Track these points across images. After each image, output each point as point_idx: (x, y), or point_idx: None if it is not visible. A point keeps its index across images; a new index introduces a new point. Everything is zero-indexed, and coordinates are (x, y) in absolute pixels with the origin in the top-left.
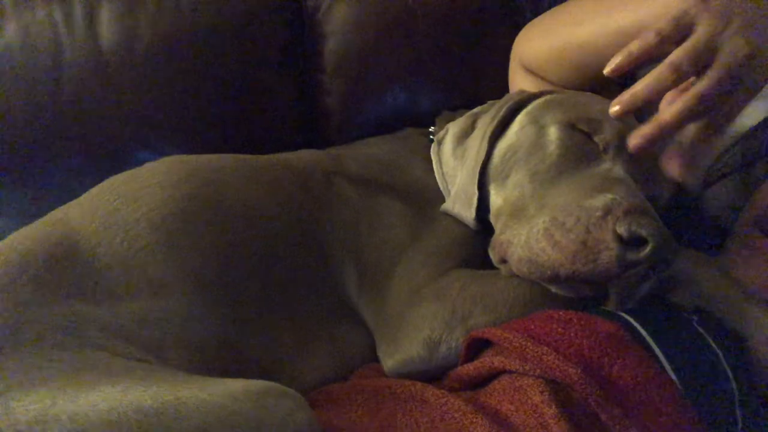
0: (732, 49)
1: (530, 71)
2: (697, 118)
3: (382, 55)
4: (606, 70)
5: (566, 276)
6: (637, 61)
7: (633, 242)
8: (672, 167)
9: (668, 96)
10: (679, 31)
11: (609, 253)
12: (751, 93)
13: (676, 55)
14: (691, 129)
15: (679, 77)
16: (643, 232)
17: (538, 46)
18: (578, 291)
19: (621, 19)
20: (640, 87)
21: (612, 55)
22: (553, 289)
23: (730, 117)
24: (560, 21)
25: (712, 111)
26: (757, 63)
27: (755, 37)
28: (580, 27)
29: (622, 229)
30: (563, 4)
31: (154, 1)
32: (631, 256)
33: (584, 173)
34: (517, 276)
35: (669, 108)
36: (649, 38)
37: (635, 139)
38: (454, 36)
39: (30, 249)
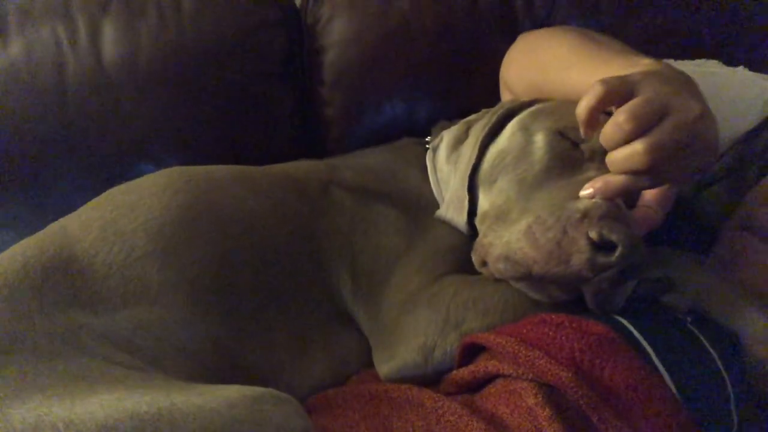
0: (684, 107)
1: (514, 95)
2: (654, 172)
3: (380, 66)
4: (583, 135)
5: (539, 276)
6: (597, 111)
7: (604, 246)
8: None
9: None
10: (625, 86)
11: (580, 256)
12: (706, 154)
13: (632, 103)
14: (652, 192)
15: (637, 126)
16: (613, 237)
17: (515, 81)
18: (551, 294)
19: (578, 79)
20: (603, 135)
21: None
22: (527, 291)
23: (687, 177)
24: (533, 65)
25: (670, 167)
26: (709, 124)
27: (703, 101)
28: (547, 78)
29: (593, 233)
30: (541, 37)
31: (156, 17)
32: (601, 260)
33: (569, 180)
34: (500, 279)
35: (632, 157)
36: (597, 89)
37: (599, 183)
38: (450, 47)
39: (29, 259)
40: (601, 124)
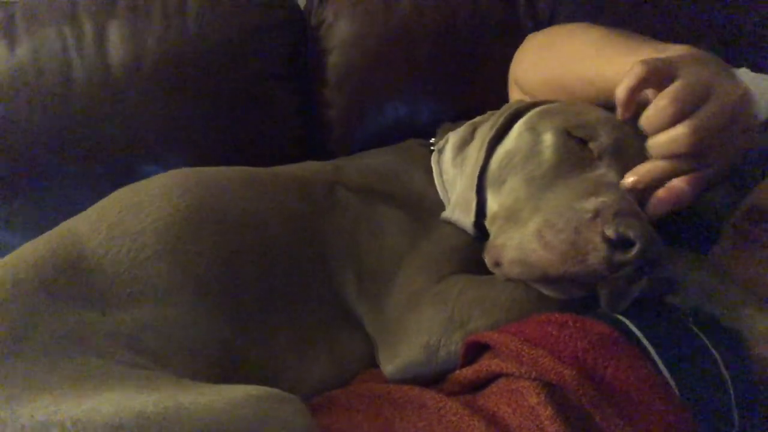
0: (726, 89)
1: (525, 92)
2: (697, 155)
3: (383, 68)
4: (620, 117)
5: (556, 276)
6: (637, 92)
7: (621, 244)
8: (659, 207)
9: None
10: (666, 67)
11: (597, 254)
12: (747, 135)
13: (674, 86)
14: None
15: (680, 109)
16: (631, 234)
17: (530, 75)
18: (568, 292)
19: (604, 68)
20: (645, 119)
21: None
22: (544, 290)
23: (728, 160)
24: (552, 57)
25: (713, 150)
26: (750, 105)
27: (741, 82)
28: (568, 69)
29: (610, 231)
30: (557, 32)
31: (161, 19)
32: (619, 257)
33: (578, 178)
34: (512, 280)
35: (676, 140)
36: (638, 69)
37: (643, 169)
38: (453, 49)
39: (39, 259)
40: (635, 108)
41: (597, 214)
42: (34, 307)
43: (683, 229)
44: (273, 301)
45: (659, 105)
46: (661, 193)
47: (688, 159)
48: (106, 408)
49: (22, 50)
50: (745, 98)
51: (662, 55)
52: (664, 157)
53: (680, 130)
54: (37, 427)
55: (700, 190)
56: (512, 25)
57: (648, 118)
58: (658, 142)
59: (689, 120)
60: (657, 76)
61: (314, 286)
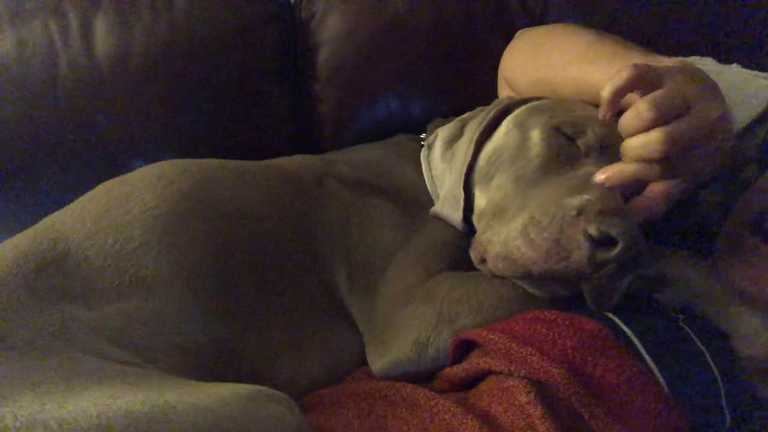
0: (706, 106)
1: (514, 90)
2: (666, 163)
3: (375, 63)
4: (601, 116)
5: (539, 274)
6: (622, 93)
7: (604, 242)
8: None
9: None
10: (653, 74)
11: (580, 252)
12: (717, 156)
13: (655, 93)
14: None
15: (657, 115)
16: (613, 232)
17: (518, 75)
18: (552, 290)
19: (593, 74)
20: (622, 121)
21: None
22: (528, 288)
23: (696, 176)
24: (541, 59)
25: (683, 162)
26: (726, 127)
27: (725, 105)
28: (557, 72)
29: (592, 229)
30: (548, 33)
31: (149, 13)
32: (602, 255)
33: (565, 175)
34: (497, 276)
35: (648, 145)
36: (627, 71)
37: (612, 170)
38: (445, 44)
39: (21, 254)
40: (617, 111)
41: (581, 211)
42: (16, 302)
43: (681, 230)
44: (265, 295)
45: (638, 108)
46: (633, 205)
47: (658, 167)
48: (92, 407)
49: (7, 43)
50: (724, 119)
51: (652, 63)
52: (635, 161)
53: (653, 136)
54: (21, 427)
55: (670, 204)
56: (504, 21)
57: (626, 120)
58: (630, 144)
59: (664, 127)
60: (643, 82)
61: (306, 279)
